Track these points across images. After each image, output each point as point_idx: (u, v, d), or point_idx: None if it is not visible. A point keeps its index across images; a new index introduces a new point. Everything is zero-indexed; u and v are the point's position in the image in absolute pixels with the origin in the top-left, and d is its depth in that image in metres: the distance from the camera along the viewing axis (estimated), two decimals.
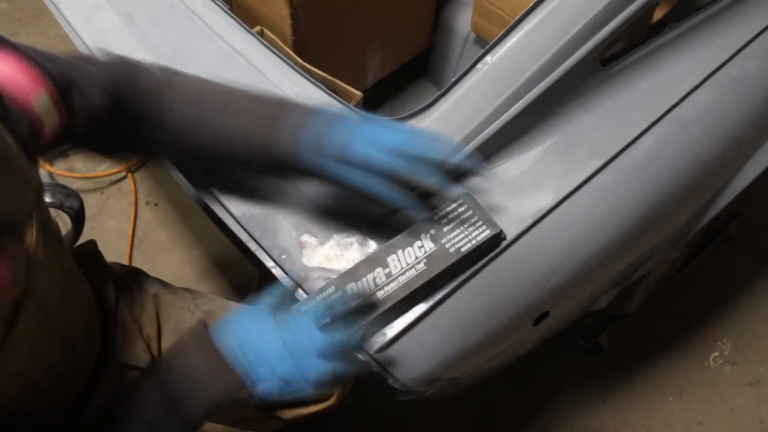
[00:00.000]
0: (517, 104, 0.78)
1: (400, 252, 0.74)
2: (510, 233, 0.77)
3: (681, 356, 1.57)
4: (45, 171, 1.90)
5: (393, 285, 0.72)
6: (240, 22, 0.96)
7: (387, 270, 0.72)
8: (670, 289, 1.57)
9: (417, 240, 0.74)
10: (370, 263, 0.74)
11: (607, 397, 1.52)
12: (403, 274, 0.72)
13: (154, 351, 0.87)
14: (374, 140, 0.68)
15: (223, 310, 0.93)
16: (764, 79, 0.90)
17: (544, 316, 0.83)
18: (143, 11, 1.04)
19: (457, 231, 0.74)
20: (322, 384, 0.63)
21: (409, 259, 0.73)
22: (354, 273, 0.73)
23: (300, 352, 0.62)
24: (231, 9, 1.00)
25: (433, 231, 0.74)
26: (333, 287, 0.72)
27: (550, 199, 0.79)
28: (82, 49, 1.07)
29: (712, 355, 1.58)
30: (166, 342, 0.89)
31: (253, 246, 0.83)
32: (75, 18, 1.08)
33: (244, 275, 1.71)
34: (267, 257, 0.82)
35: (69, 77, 0.63)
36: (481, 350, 0.79)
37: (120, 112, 0.69)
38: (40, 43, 2.27)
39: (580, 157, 0.81)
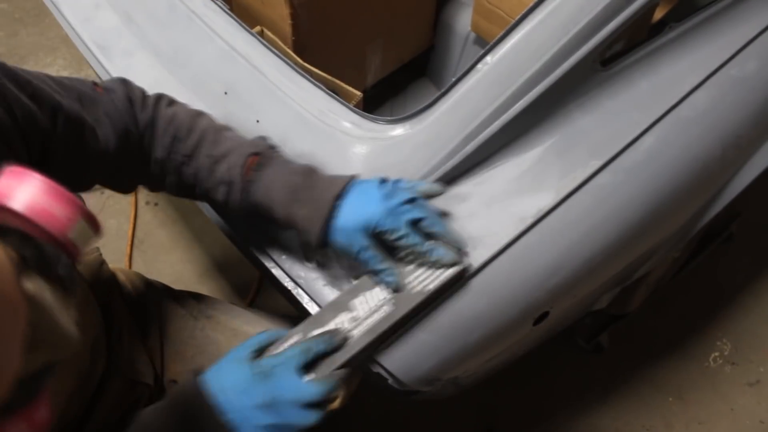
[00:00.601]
0: (517, 104, 0.78)
1: (365, 294, 0.71)
2: (510, 233, 0.77)
3: (681, 356, 1.57)
4: None
5: (360, 329, 0.69)
6: (240, 22, 0.96)
7: (353, 314, 0.70)
8: (670, 289, 1.57)
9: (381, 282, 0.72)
10: (334, 308, 0.71)
11: (607, 397, 1.52)
12: (369, 317, 0.70)
13: (157, 361, 0.87)
14: (402, 217, 0.69)
15: (226, 315, 0.93)
16: (764, 79, 0.90)
17: (544, 316, 0.83)
18: (143, 11, 1.04)
19: (422, 269, 0.72)
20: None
21: (375, 301, 0.71)
22: (319, 319, 0.70)
23: (284, 405, 0.62)
24: (231, 9, 1.00)
25: (389, 279, 0.70)
26: (300, 334, 0.69)
27: (550, 199, 0.79)
28: (81, 49, 1.07)
29: (712, 355, 1.58)
30: (169, 350, 0.89)
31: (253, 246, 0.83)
32: (75, 18, 1.08)
33: (244, 275, 1.71)
34: (267, 257, 0.82)
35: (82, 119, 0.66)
36: (481, 350, 0.79)
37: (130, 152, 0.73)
38: (40, 43, 2.27)
39: (580, 157, 0.81)
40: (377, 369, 0.74)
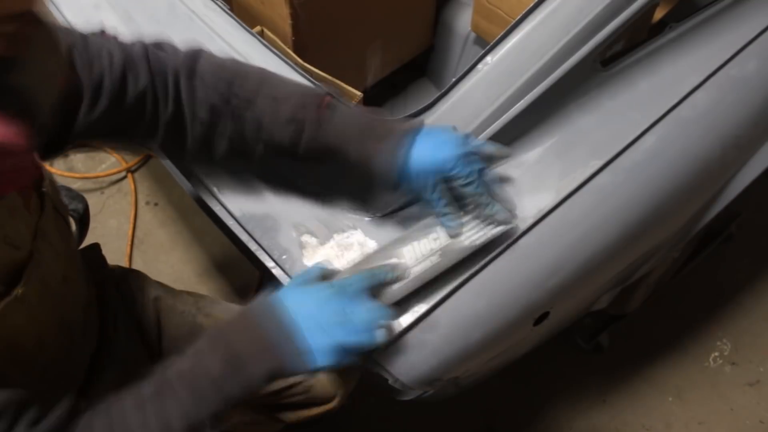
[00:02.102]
0: (517, 105, 0.78)
1: (415, 244, 0.73)
2: (510, 233, 0.77)
3: (681, 356, 1.57)
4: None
5: (409, 276, 0.72)
6: (240, 22, 0.96)
7: (401, 261, 0.72)
8: (670, 289, 1.57)
9: (432, 232, 0.74)
10: (383, 255, 0.73)
11: (607, 397, 1.52)
12: (417, 265, 0.72)
13: (155, 354, 0.87)
14: (474, 165, 0.70)
15: (225, 314, 0.93)
16: (764, 79, 0.90)
17: (544, 316, 0.83)
18: (143, 11, 1.04)
19: (473, 224, 0.73)
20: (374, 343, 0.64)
21: (424, 251, 0.73)
22: (368, 262, 0.73)
23: (356, 323, 0.64)
24: (231, 9, 1.00)
25: (450, 223, 0.73)
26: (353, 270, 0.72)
27: (551, 200, 0.79)
28: None
29: (712, 355, 1.58)
30: (167, 345, 0.89)
31: (253, 246, 0.83)
32: (75, 18, 1.08)
33: (244, 275, 1.71)
34: (267, 257, 0.82)
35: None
36: (482, 350, 0.79)
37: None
38: None
39: (580, 158, 0.81)
40: (378, 369, 0.74)
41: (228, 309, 0.94)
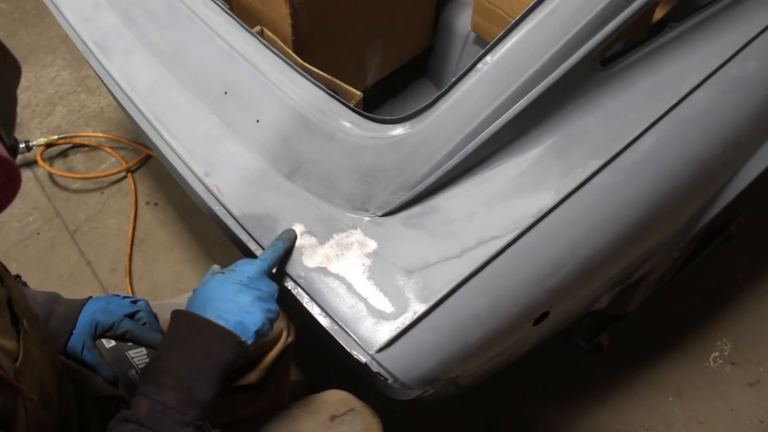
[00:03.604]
0: (517, 104, 0.78)
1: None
2: (510, 233, 0.77)
3: (681, 356, 1.57)
4: (45, 171, 1.90)
5: None
6: (240, 22, 0.96)
7: None
8: (670, 289, 1.57)
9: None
10: None
11: (607, 397, 1.52)
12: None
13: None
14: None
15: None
16: (764, 79, 0.90)
17: (544, 316, 0.83)
18: (143, 11, 1.04)
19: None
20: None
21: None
22: None
23: (264, 298, 0.73)
24: (231, 9, 1.00)
25: None
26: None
27: (550, 199, 0.79)
28: (81, 49, 1.07)
29: (712, 355, 1.58)
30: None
31: (253, 246, 0.83)
32: (75, 18, 1.08)
33: None
34: None
35: None
36: (482, 350, 0.79)
37: None
38: (40, 43, 2.27)
39: (580, 157, 0.81)
40: (377, 369, 0.74)
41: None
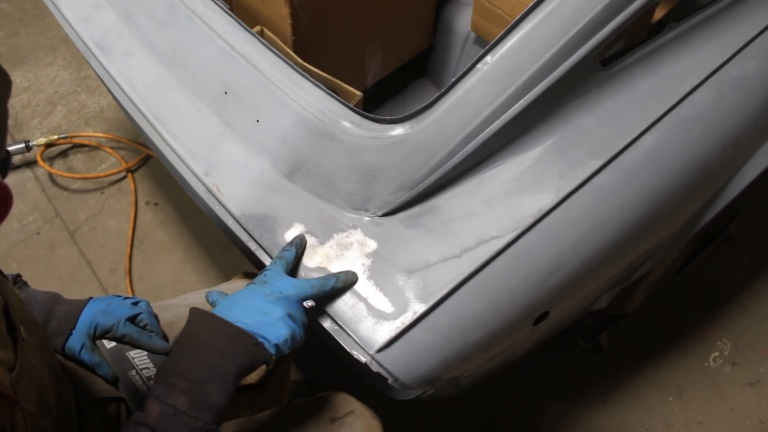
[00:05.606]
0: (517, 104, 0.78)
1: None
2: (510, 233, 0.77)
3: (681, 356, 1.57)
4: (45, 171, 1.90)
5: None
6: (240, 22, 0.96)
7: None
8: (670, 289, 1.57)
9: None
10: None
11: (607, 397, 1.52)
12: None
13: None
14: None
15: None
16: (764, 79, 0.90)
17: (544, 316, 0.83)
18: (143, 11, 1.04)
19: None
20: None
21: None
22: None
23: (295, 321, 0.72)
24: (231, 9, 1.00)
25: None
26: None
27: (550, 199, 0.79)
28: (81, 49, 1.07)
29: (712, 355, 1.58)
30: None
31: (253, 246, 0.83)
32: (75, 18, 1.08)
33: None
34: (267, 257, 0.82)
35: None
36: (482, 350, 0.79)
37: None
38: (40, 43, 2.27)
39: (580, 157, 0.81)
40: (377, 369, 0.74)
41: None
